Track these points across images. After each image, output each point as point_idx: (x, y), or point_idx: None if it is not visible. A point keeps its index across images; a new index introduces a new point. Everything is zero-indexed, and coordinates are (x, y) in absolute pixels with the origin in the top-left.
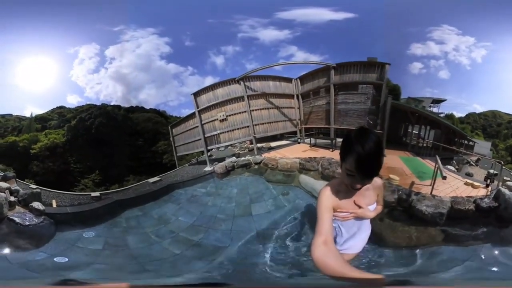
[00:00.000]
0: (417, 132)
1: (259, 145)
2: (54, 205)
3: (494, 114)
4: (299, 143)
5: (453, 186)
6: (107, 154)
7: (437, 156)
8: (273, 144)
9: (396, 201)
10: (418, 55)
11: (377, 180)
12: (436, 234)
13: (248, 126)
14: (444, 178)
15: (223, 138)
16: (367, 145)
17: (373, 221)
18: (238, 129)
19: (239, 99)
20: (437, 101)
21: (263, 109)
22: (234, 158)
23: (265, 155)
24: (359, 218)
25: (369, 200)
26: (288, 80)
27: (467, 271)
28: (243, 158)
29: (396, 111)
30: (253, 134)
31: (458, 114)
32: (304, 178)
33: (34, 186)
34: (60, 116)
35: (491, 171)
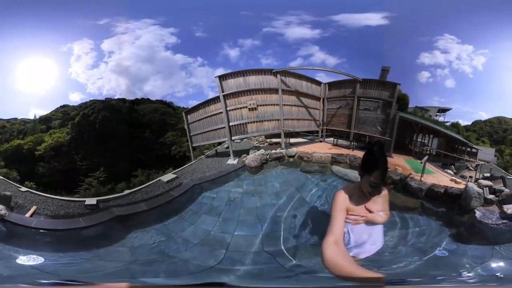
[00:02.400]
0: (420, 140)
1: (275, 140)
2: (29, 212)
3: (500, 120)
4: (321, 141)
5: (440, 180)
6: (113, 149)
7: (425, 158)
8: (292, 140)
9: (398, 180)
10: (426, 64)
11: (384, 189)
12: (417, 203)
13: (278, 120)
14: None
15: (251, 128)
16: (387, 161)
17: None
18: (268, 120)
19: (273, 91)
20: (443, 110)
21: (293, 105)
22: (262, 151)
23: (295, 149)
24: (369, 222)
25: (379, 206)
26: (318, 83)
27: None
28: (274, 151)
29: (403, 122)
30: (283, 128)
31: (465, 122)
32: (337, 168)
33: (24, 189)
34: (64, 115)
35: (487, 174)
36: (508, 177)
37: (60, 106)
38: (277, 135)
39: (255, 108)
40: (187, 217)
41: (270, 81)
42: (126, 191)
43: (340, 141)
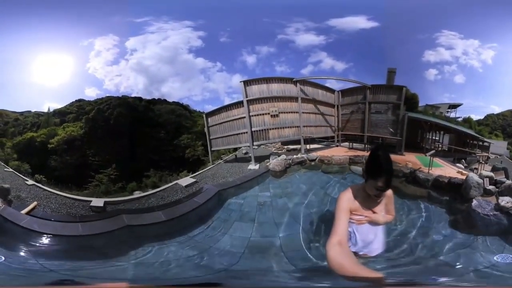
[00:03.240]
0: (431, 138)
1: (292, 146)
2: (27, 209)
3: None
4: (337, 146)
5: (447, 172)
6: (126, 146)
7: (431, 152)
8: (308, 146)
9: (408, 173)
10: (432, 62)
11: (388, 190)
12: (424, 192)
13: (298, 126)
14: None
15: (272, 135)
16: (392, 165)
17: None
18: (288, 127)
19: (293, 99)
20: (454, 106)
21: (311, 113)
22: (284, 156)
23: (315, 154)
24: (373, 223)
25: (383, 207)
26: (332, 91)
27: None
28: (296, 156)
29: (413, 121)
30: (302, 135)
31: (477, 116)
32: (355, 167)
33: (30, 183)
34: (79, 109)
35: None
36: None
37: (76, 101)
38: (294, 142)
39: (277, 115)
40: (217, 226)
41: (291, 89)
42: (137, 193)
43: (355, 145)
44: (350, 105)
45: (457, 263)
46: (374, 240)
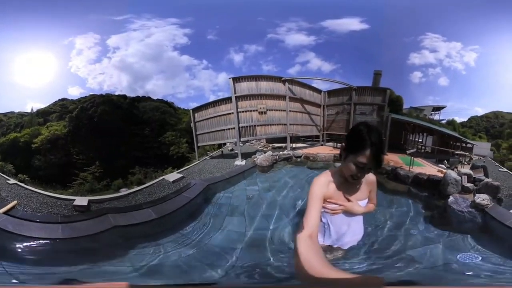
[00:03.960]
0: (414, 139)
1: (277, 144)
2: (5, 208)
3: (496, 115)
4: (322, 145)
5: (428, 171)
6: (110, 144)
7: (411, 150)
8: (294, 145)
9: (390, 170)
10: (417, 64)
11: (370, 176)
12: (405, 188)
13: (284, 124)
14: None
15: (260, 131)
16: (379, 137)
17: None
18: (275, 124)
19: (281, 97)
20: (438, 108)
21: (298, 112)
22: (270, 153)
23: (300, 151)
24: (348, 213)
25: (361, 195)
26: (319, 91)
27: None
28: (283, 153)
29: (397, 123)
30: (289, 132)
31: (461, 119)
32: (339, 164)
33: (12, 181)
34: (62, 108)
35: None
36: (500, 169)
37: (59, 100)
38: (279, 140)
39: (265, 112)
40: (208, 222)
41: (279, 88)
42: (123, 190)
43: (340, 145)
44: (336, 105)
45: (421, 260)
46: (347, 232)
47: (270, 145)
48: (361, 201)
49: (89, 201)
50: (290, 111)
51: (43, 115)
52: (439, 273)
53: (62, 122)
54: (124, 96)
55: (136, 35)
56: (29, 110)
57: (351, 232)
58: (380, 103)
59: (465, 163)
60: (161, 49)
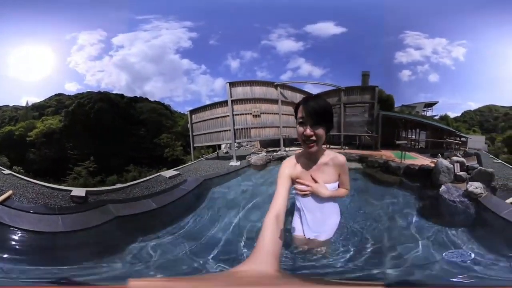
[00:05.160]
0: (406, 136)
1: (271, 148)
2: (1, 198)
3: (490, 108)
4: None
5: (419, 162)
6: (106, 141)
7: (402, 142)
8: (287, 149)
9: (382, 163)
10: (404, 63)
11: (338, 157)
12: (397, 179)
13: (278, 127)
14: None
15: (254, 133)
16: (311, 96)
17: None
18: (269, 127)
19: (274, 101)
20: (430, 105)
21: (290, 115)
22: (264, 153)
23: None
24: (319, 198)
25: (328, 177)
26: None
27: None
28: (278, 153)
29: (389, 121)
30: (282, 134)
31: (454, 114)
32: None
33: (7, 172)
34: (58, 103)
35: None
36: (494, 161)
37: (55, 95)
38: (273, 144)
39: (258, 115)
40: (206, 214)
41: (272, 92)
42: (119, 185)
43: (332, 147)
44: None
45: (408, 256)
46: (322, 220)
47: (264, 149)
48: (329, 184)
49: (87, 192)
50: (282, 114)
51: (38, 109)
52: (426, 271)
53: (57, 116)
54: (121, 95)
55: (144, 35)
56: (24, 104)
57: (326, 219)
58: (370, 100)
59: (459, 156)
60: (164, 51)
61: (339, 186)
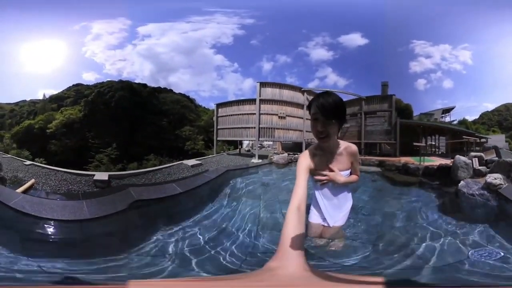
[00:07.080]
0: (426, 143)
1: (292, 153)
2: (23, 187)
3: (507, 107)
4: None
5: (438, 163)
6: (126, 130)
7: (421, 144)
8: None
9: (401, 166)
10: (419, 72)
11: (351, 146)
12: (416, 179)
13: (301, 130)
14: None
15: (278, 134)
16: (323, 93)
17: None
18: (292, 130)
19: (299, 105)
20: (447, 110)
21: None
22: (286, 154)
23: None
24: (335, 186)
25: (342, 165)
26: None
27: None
28: (299, 154)
29: (408, 130)
30: (305, 138)
31: (472, 117)
32: None
33: (28, 163)
34: (77, 93)
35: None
36: None
37: (73, 85)
38: (295, 149)
39: (284, 117)
40: (228, 204)
41: (299, 97)
42: (140, 171)
43: None
44: (348, 115)
45: (426, 256)
46: (338, 206)
47: (286, 153)
48: (343, 171)
49: (109, 176)
50: (307, 119)
51: (56, 100)
52: (445, 272)
53: (77, 106)
54: (144, 85)
55: (182, 26)
56: (41, 97)
57: (342, 205)
58: (388, 109)
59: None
60: (200, 45)
61: (351, 173)
